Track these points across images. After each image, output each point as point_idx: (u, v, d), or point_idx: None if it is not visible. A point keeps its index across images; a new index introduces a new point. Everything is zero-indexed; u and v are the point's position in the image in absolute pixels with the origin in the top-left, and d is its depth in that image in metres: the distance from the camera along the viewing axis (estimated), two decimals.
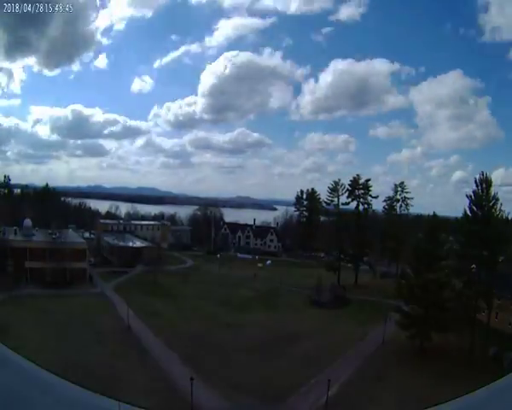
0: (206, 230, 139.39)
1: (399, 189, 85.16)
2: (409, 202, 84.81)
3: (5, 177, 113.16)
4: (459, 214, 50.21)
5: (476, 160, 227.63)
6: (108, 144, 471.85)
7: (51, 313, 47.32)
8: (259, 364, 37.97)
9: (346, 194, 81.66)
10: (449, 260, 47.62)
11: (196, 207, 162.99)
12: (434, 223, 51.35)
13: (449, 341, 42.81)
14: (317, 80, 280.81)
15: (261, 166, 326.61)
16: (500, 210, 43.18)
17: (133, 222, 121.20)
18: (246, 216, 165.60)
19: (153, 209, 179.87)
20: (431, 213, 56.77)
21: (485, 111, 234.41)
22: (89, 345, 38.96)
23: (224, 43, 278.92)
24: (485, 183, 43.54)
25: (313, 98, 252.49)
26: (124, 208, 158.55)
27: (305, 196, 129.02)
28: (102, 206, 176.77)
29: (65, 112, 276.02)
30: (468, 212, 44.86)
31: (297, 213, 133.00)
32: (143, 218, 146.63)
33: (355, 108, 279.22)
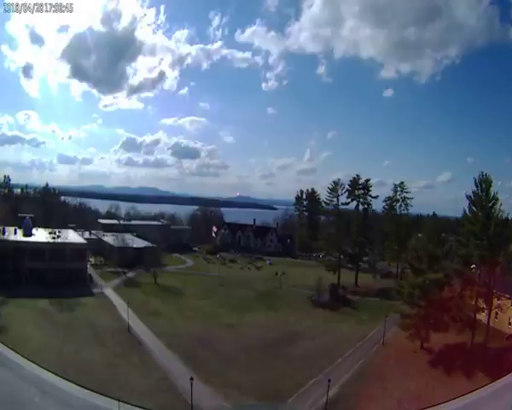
0: (206, 230, 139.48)
1: (399, 189, 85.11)
2: (408, 202, 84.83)
3: (5, 177, 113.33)
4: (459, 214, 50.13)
5: None
6: None
7: (51, 313, 47.33)
8: (260, 364, 37.95)
9: (346, 194, 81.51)
10: (449, 260, 47.58)
11: (196, 207, 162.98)
12: (434, 223, 51.26)
13: (449, 341, 42.79)
14: None
15: None
16: (500, 210, 43.13)
17: (133, 222, 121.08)
18: (246, 216, 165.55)
19: (153, 209, 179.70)
20: (431, 213, 56.76)
21: None
22: (89, 345, 38.95)
23: None
24: (484, 183, 43.47)
25: None
26: (124, 208, 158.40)
27: (304, 196, 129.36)
28: (102, 206, 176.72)
29: None
30: (468, 212, 44.82)
31: (297, 213, 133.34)
32: (143, 218, 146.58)
33: None
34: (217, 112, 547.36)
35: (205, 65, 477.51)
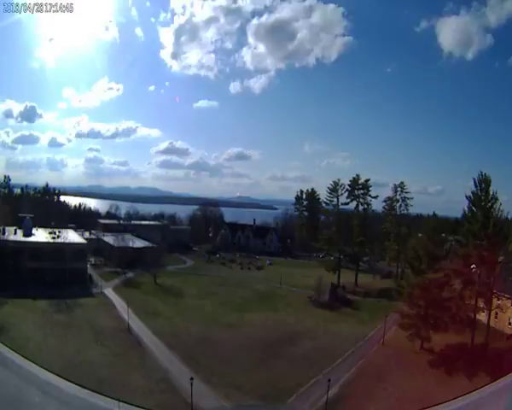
0: (206, 230, 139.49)
1: (399, 189, 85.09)
2: (408, 202, 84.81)
3: (5, 177, 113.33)
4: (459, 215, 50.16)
5: None
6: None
7: (51, 313, 47.34)
8: (260, 364, 37.94)
9: (346, 194, 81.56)
10: (449, 260, 47.60)
11: (196, 207, 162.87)
12: (434, 223, 51.32)
13: (449, 341, 42.80)
14: None
15: None
16: (499, 210, 43.20)
17: (133, 222, 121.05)
18: (246, 216, 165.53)
19: (153, 209, 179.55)
20: (431, 213, 56.76)
21: None
22: (89, 345, 38.97)
23: None
24: (484, 183, 43.53)
25: None
26: (124, 208, 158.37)
27: (304, 196, 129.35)
28: (102, 206, 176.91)
29: None
30: (468, 212, 44.89)
31: (297, 213, 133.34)
32: (143, 218, 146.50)
33: None
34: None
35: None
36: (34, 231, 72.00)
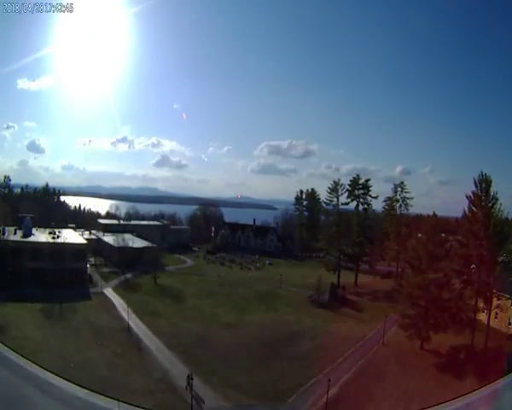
0: (206, 230, 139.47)
1: (399, 189, 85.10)
2: (408, 201, 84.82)
3: (5, 177, 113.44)
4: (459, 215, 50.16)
5: None
6: None
7: (51, 313, 47.31)
8: (259, 364, 37.95)
9: (346, 194, 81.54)
10: (449, 260, 47.59)
11: (196, 207, 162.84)
12: (434, 223, 51.33)
13: (449, 341, 42.80)
14: None
15: None
16: (499, 210, 43.21)
17: (133, 222, 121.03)
18: (246, 216, 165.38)
19: (153, 209, 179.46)
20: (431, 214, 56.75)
21: None
22: (89, 345, 38.96)
23: None
24: (484, 183, 43.54)
25: None
26: (124, 208, 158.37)
27: (304, 196, 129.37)
28: (102, 206, 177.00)
29: None
30: (468, 212, 44.89)
31: (297, 213, 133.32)
32: (143, 218, 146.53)
33: None
34: None
35: None
36: (34, 231, 71.93)
